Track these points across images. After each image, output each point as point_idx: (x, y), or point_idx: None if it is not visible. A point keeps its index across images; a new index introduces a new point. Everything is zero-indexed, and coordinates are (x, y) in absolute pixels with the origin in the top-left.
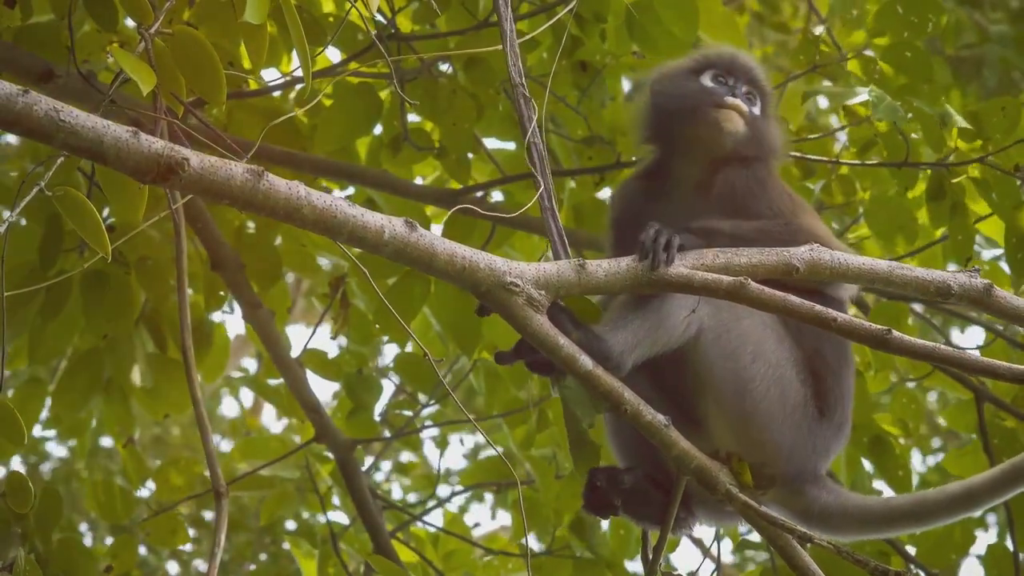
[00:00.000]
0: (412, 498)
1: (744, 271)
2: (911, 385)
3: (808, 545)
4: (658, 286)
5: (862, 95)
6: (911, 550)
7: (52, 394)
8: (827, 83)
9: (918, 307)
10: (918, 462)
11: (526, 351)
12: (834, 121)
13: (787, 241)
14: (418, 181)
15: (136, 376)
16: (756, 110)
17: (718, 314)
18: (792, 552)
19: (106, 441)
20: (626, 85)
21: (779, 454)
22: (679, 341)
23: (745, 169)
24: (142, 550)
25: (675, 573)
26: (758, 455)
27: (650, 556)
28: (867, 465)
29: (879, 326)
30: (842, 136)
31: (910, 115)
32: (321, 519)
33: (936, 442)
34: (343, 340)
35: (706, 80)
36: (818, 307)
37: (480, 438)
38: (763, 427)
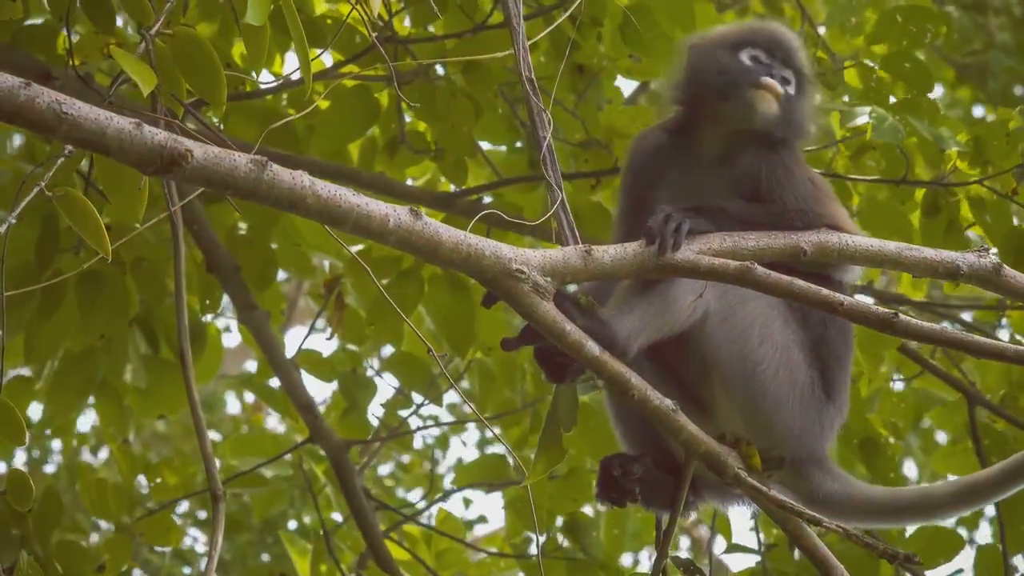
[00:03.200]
0: (414, 496)
1: (751, 255)
2: (900, 386)
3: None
4: (665, 271)
5: (863, 116)
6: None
7: (45, 394)
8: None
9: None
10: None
11: (532, 337)
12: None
13: (802, 230)
14: (409, 183)
15: (129, 377)
16: (791, 90)
17: (724, 297)
18: (800, 534)
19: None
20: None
21: (787, 436)
22: (685, 325)
23: (772, 152)
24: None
25: (685, 558)
26: (766, 438)
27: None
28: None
29: (885, 309)
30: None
31: (903, 133)
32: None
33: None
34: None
35: (745, 57)
36: (824, 291)
37: (475, 438)
38: (771, 409)
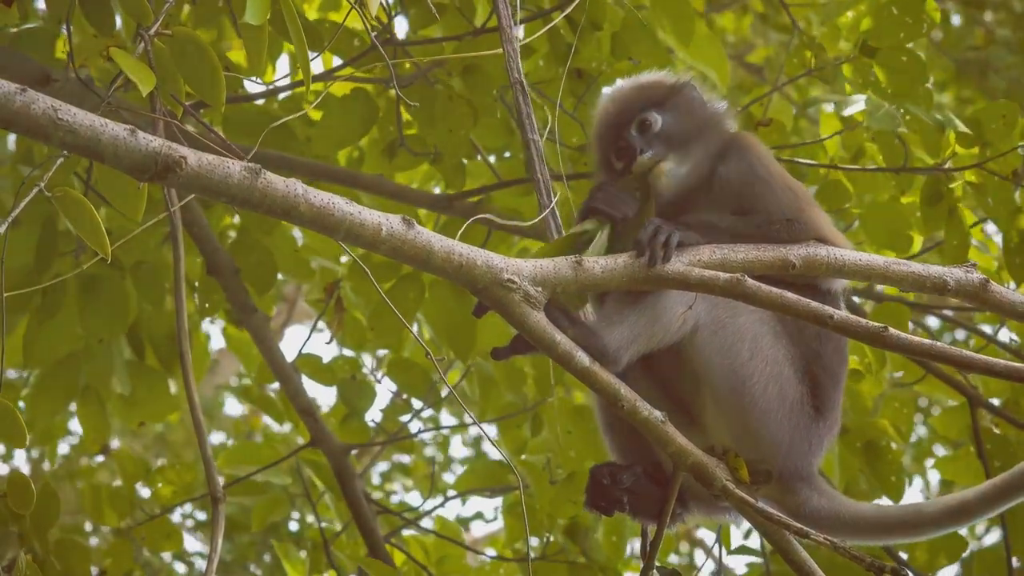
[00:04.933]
0: (413, 499)
1: (741, 267)
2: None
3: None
4: (655, 283)
5: (859, 103)
6: (903, 556)
7: (27, 399)
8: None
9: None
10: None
11: (522, 346)
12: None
13: (788, 240)
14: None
15: (115, 383)
16: (657, 127)
17: (714, 310)
18: (788, 547)
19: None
20: None
21: (776, 451)
22: (675, 337)
23: (736, 162)
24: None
25: (672, 567)
26: (755, 451)
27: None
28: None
29: (875, 323)
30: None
31: (906, 118)
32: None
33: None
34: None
35: (613, 160)
36: (814, 304)
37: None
38: (760, 423)
